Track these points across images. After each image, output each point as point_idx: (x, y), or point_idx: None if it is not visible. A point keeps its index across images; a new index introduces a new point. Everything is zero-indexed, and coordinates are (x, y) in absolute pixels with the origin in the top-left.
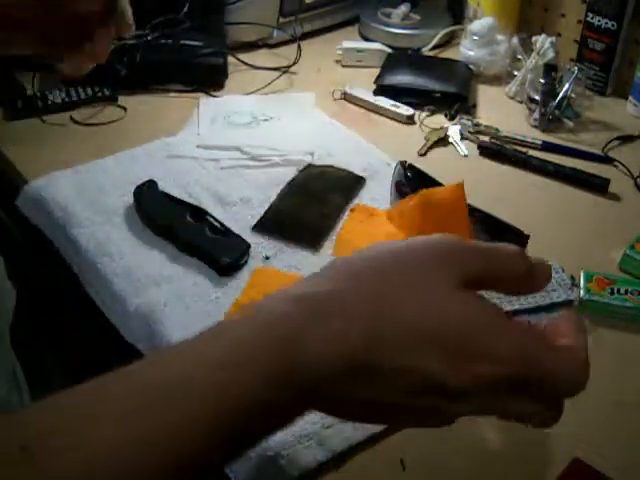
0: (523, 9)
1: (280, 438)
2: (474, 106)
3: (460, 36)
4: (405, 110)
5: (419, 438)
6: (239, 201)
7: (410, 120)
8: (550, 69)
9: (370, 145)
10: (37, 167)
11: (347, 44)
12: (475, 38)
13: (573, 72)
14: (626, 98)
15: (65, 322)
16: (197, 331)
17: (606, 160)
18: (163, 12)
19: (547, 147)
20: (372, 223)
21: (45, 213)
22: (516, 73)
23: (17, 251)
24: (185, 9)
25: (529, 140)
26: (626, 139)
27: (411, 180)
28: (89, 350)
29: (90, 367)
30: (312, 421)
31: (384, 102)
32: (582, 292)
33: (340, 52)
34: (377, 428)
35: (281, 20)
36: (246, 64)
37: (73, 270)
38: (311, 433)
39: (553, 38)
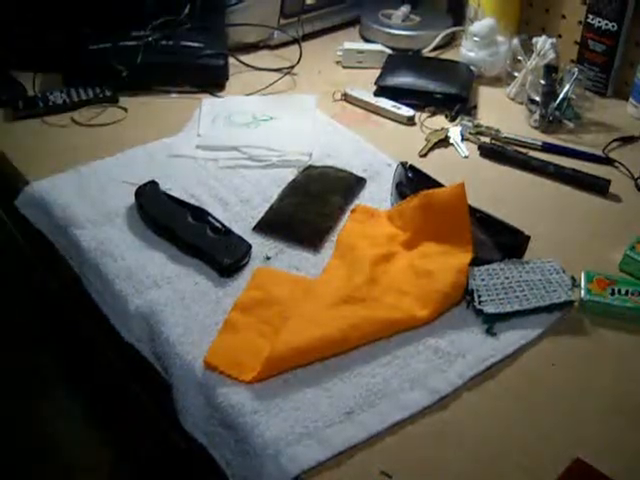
0: (524, 10)
1: (281, 436)
2: (475, 107)
3: (461, 37)
4: (406, 111)
5: (420, 438)
6: (240, 202)
7: (411, 121)
8: (550, 70)
9: (370, 146)
10: (38, 168)
11: (348, 45)
12: (476, 39)
13: (573, 73)
14: (626, 99)
15: (64, 323)
16: (197, 331)
17: (606, 161)
18: (164, 13)
19: (547, 148)
20: (373, 224)
21: (46, 214)
22: (516, 74)
23: (17, 252)
24: (186, 10)
25: (529, 141)
26: (626, 140)
27: (412, 181)
28: (88, 351)
29: (90, 368)
30: (313, 419)
31: (385, 103)
32: (583, 292)
33: (341, 53)
34: (378, 428)
35: (282, 21)
36: (247, 65)
37: (74, 270)
38: (312, 432)
39: (554, 39)
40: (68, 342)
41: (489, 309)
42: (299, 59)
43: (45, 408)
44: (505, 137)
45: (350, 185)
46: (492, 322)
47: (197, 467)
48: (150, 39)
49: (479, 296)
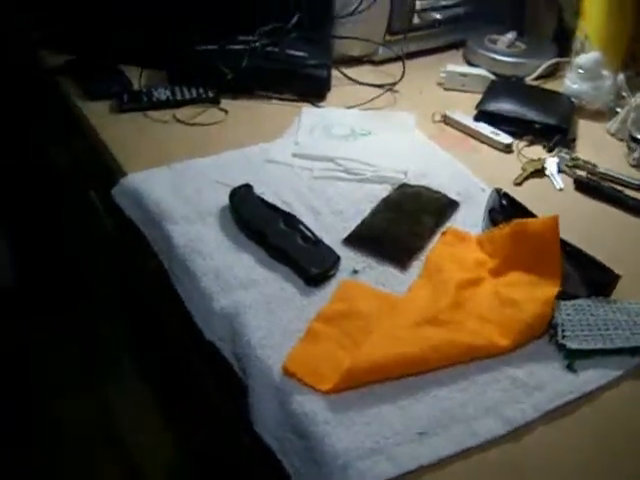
0: (631, 46)
1: (351, 448)
2: (574, 140)
3: (565, 68)
4: (504, 138)
5: (490, 467)
6: (331, 213)
7: (508, 148)
8: None
9: (466, 170)
10: (136, 160)
11: (451, 67)
12: (580, 71)
13: None
14: None
15: (144, 312)
16: (279, 336)
17: None
18: (272, 20)
19: None
20: (462, 248)
21: (140, 206)
22: (619, 110)
23: (106, 239)
24: (295, 19)
25: (627, 179)
26: None
27: (505, 208)
28: (167, 347)
29: (168, 365)
30: (385, 435)
31: (484, 128)
32: None
33: (443, 75)
34: (449, 452)
35: (387, 38)
36: (349, 78)
37: (160, 263)
38: (383, 448)
39: None
40: (144, 329)
41: (572, 345)
42: (402, 77)
43: (112, 391)
44: (602, 173)
45: (443, 207)
46: (573, 358)
47: (257, 466)
48: (257, 45)
49: (563, 330)
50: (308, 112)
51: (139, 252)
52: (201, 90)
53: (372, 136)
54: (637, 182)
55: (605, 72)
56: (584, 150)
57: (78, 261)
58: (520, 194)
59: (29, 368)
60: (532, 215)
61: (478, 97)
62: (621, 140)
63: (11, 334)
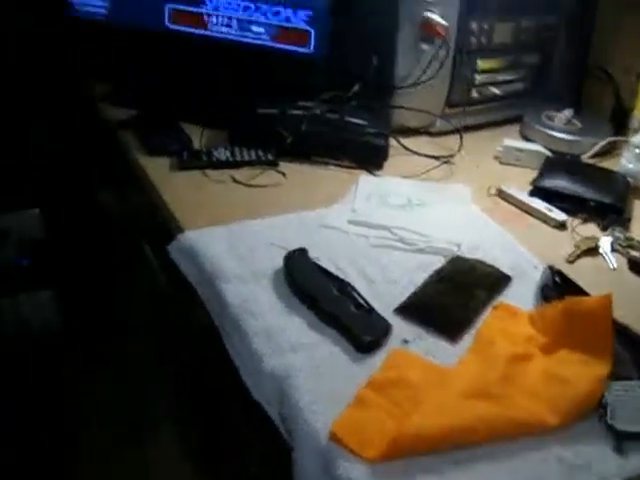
0: None
1: None
2: (629, 220)
3: (622, 147)
4: (558, 215)
5: None
6: (384, 281)
7: (562, 225)
8: None
9: (519, 245)
10: (193, 218)
11: (507, 142)
12: (637, 151)
13: None
14: None
15: (192, 372)
16: (327, 401)
17: None
18: (333, 88)
19: None
20: (513, 323)
21: (195, 263)
22: None
23: (158, 293)
24: (355, 88)
25: None
26: None
27: (558, 286)
28: (208, 398)
29: (210, 420)
30: None
31: (538, 204)
32: None
33: (500, 149)
34: None
35: (446, 110)
36: (407, 149)
37: (209, 320)
38: None
39: None
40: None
41: (621, 426)
42: (459, 149)
43: (152, 448)
44: None
45: (495, 281)
46: (622, 440)
47: None
48: (317, 111)
49: (612, 411)
50: (365, 180)
51: (190, 308)
52: (260, 152)
53: (428, 207)
54: None
55: None
56: (639, 230)
57: (122, 310)
58: (572, 272)
59: (62, 414)
60: (585, 293)
61: (533, 172)
62: None
63: (47, 378)
